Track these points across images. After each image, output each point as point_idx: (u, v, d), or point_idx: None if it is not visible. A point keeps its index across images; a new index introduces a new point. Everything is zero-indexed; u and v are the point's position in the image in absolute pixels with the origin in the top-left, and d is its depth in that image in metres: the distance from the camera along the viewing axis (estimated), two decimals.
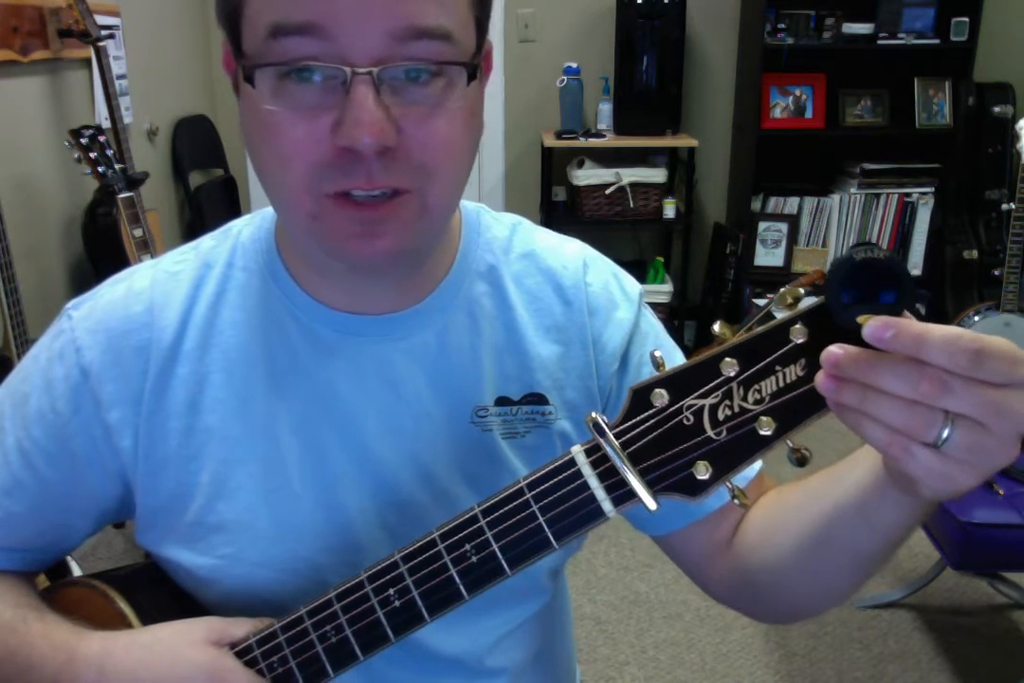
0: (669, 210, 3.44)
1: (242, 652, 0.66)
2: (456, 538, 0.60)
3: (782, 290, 0.49)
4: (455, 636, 0.75)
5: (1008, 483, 1.92)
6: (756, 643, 2.12)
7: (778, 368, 0.49)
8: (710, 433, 0.52)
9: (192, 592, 0.75)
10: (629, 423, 0.54)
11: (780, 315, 0.49)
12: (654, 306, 3.42)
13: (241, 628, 0.67)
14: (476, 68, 0.60)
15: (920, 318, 0.44)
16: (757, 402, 0.50)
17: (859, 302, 0.45)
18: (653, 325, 0.80)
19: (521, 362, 0.74)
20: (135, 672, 0.66)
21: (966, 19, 3.25)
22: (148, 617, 0.73)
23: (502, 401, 0.73)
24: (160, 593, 0.76)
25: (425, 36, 0.56)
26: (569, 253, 0.78)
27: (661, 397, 0.52)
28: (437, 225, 0.65)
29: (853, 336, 0.45)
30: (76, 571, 1.80)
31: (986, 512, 1.82)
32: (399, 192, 0.59)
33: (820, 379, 0.46)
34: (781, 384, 0.49)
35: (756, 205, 3.55)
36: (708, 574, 0.78)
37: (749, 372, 0.50)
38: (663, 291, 3.48)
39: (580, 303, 0.76)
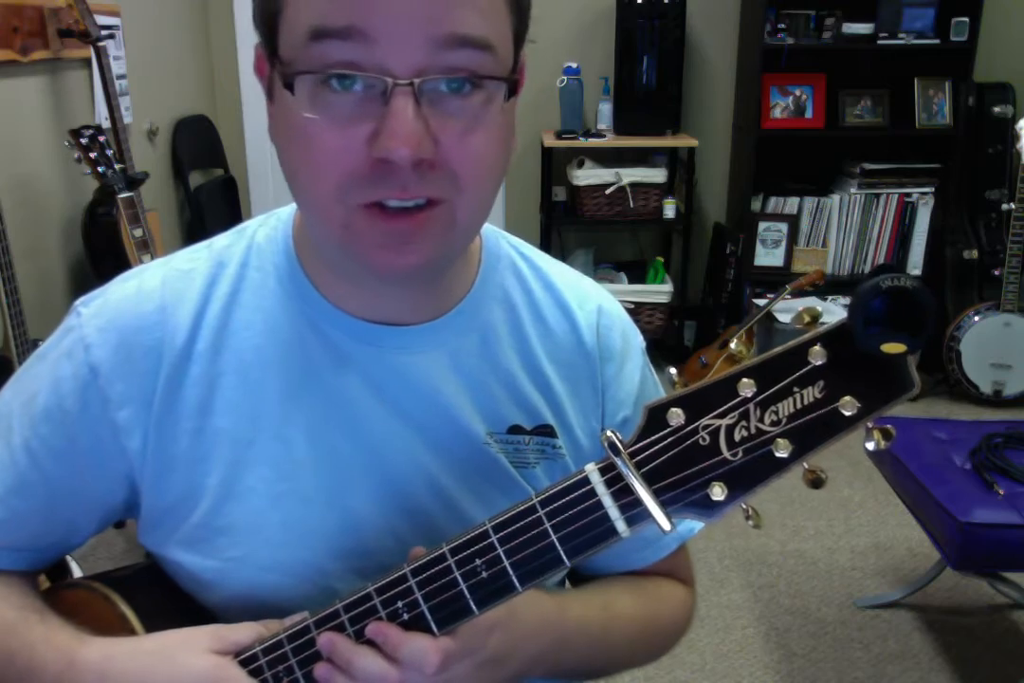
0: (669, 210, 3.44)
1: (247, 661, 0.66)
2: (467, 553, 0.59)
3: (800, 309, 0.49)
4: None
5: (1008, 483, 1.92)
6: (756, 643, 2.13)
7: (796, 390, 0.49)
8: (726, 454, 0.51)
9: (195, 595, 0.75)
10: (644, 442, 0.54)
11: (786, 318, 0.49)
12: (654, 306, 3.46)
13: (245, 634, 0.67)
14: (516, 84, 0.60)
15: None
16: (774, 424, 0.50)
17: (882, 328, 0.45)
18: (654, 384, 0.82)
19: (533, 393, 0.74)
20: (136, 680, 0.66)
21: (966, 19, 3.25)
22: (150, 620, 0.72)
23: (515, 430, 0.74)
24: (162, 595, 0.76)
25: (467, 45, 0.55)
26: (586, 293, 0.79)
27: (677, 416, 0.52)
28: (464, 239, 0.66)
29: (872, 361, 0.45)
30: (76, 571, 1.80)
31: (986, 512, 1.82)
32: (432, 202, 0.59)
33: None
34: (799, 406, 0.49)
35: (756, 205, 3.56)
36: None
37: (766, 393, 0.50)
38: (663, 291, 3.48)
39: (593, 346, 0.77)
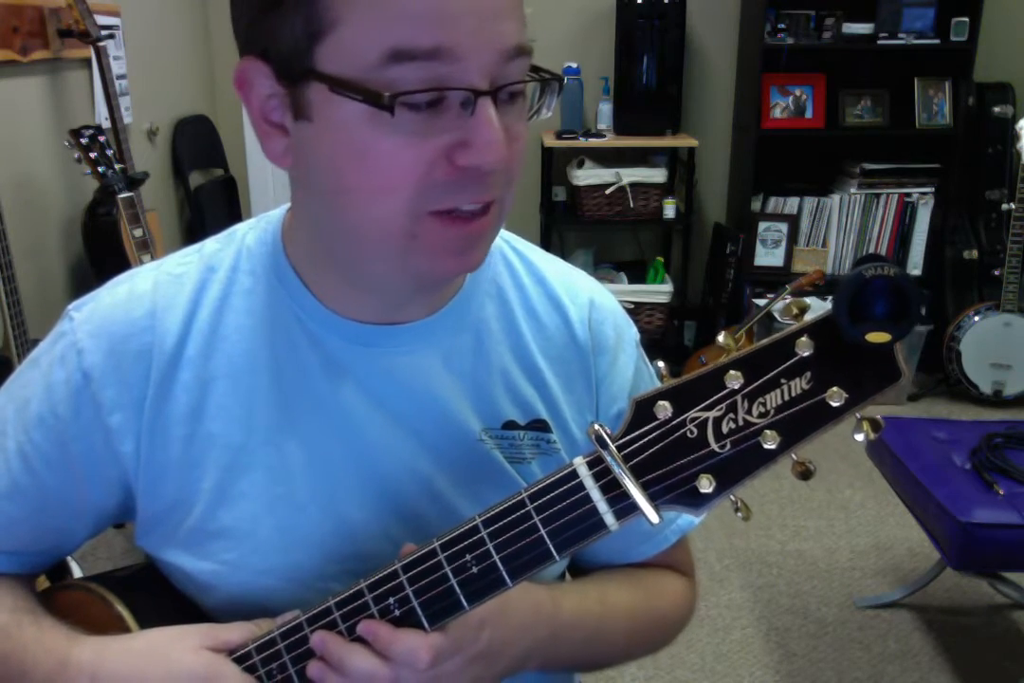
0: (669, 210, 3.44)
1: (241, 658, 0.66)
2: (457, 548, 0.59)
3: (788, 301, 0.49)
4: None
5: (1008, 483, 1.92)
6: (756, 643, 2.13)
7: (783, 381, 0.49)
8: (714, 446, 0.51)
9: (192, 597, 0.75)
10: (632, 435, 0.54)
11: (782, 320, 0.49)
12: (654, 306, 3.45)
13: (237, 633, 0.67)
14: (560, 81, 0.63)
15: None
16: (762, 415, 0.50)
17: (868, 318, 0.45)
18: (650, 377, 0.81)
19: (527, 388, 0.74)
20: (128, 679, 0.66)
21: (966, 19, 3.25)
22: (146, 620, 0.72)
23: (509, 425, 0.74)
24: (159, 596, 0.76)
25: (523, 54, 0.59)
26: (578, 287, 0.79)
27: (664, 409, 0.52)
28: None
29: (859, 351, 0.45)
30: (76, 571, 1.81)
31: (986, 512, 1.82)
32: (491, 203, 0.62)
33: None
34: (786, 397, 0.49)
35: (756, 205, 3.56)
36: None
37: (754, 385, 0.50)
38: (663, 291, 3.48)
39: (586, 340, 0.77)
